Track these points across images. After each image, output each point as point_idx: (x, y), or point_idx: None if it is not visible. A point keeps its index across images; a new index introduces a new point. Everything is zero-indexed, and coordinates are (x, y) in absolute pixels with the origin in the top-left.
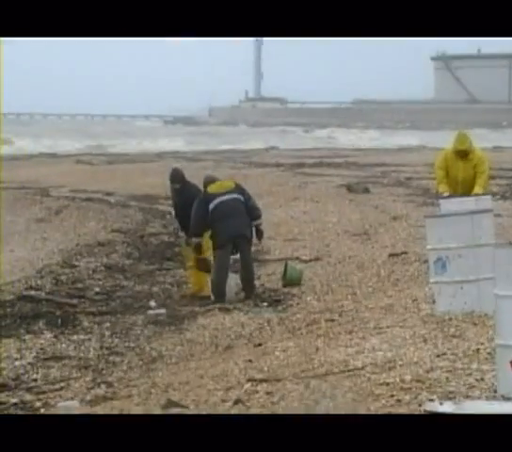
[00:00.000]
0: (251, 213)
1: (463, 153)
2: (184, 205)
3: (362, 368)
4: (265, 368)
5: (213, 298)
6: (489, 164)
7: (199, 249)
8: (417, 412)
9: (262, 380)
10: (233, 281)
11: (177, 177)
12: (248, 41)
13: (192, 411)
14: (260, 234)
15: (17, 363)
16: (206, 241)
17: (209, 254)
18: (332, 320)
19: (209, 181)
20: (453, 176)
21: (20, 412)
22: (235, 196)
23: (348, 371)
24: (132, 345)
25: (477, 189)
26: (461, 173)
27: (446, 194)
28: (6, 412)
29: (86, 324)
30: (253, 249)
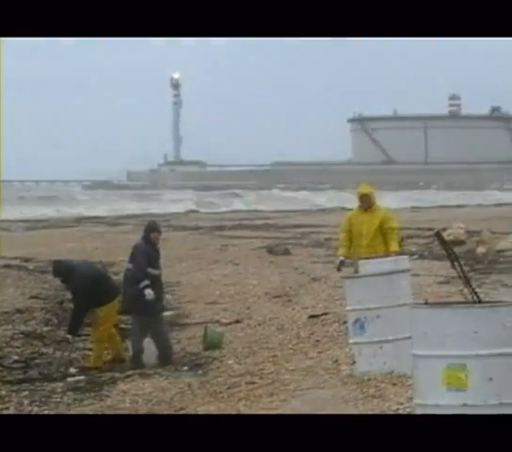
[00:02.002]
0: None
1: (366, 203)
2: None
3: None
4: None
5: (131, 364)
6: (398, 223)
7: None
8: None
9: None
10: (151, 347)
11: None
12: (167, 103)
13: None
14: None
15: None
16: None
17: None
18: (253, 383)
19: (153, 228)
20: (357, 231)
21: None
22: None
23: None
24: (52, 413)
25: (394, 246)
26: (365, 226)
27: (341, 258)
28: None
29: (3, 393)
30: (173, 312)
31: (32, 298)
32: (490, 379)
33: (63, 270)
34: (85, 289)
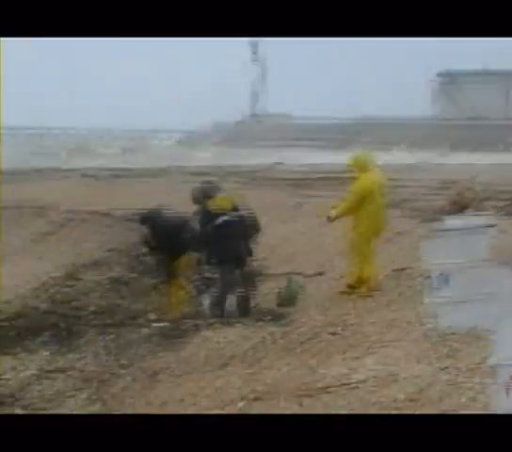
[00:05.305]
0: (251, 232)
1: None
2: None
3: (359, 385)
4: (264, 384)
5: (215, 313)
6: (354, 196)
7: (200, 263)
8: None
9: (257, 399)
10: (232, 298)
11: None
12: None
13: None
14: (250, 253)
15: (19, 375)
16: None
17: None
18: (334, 334)
19: (209, 194)
20: None
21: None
22: (237, 217)
23: (345, 388)
24: (133, 358)
25: (333, 211)
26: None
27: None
28: None
29: (84, 340)
30: (256, 264)
31: (115, 246)
32: None
33: (148, 219)
34: (168, 238)
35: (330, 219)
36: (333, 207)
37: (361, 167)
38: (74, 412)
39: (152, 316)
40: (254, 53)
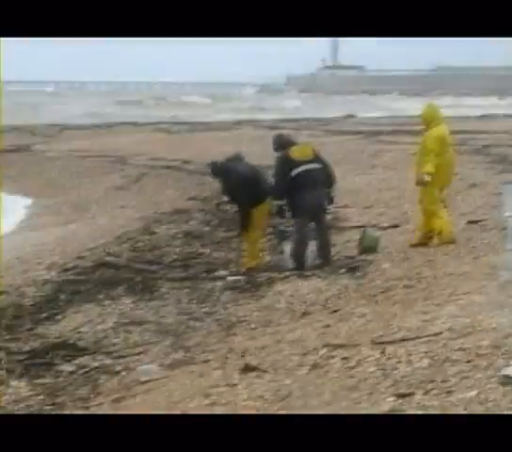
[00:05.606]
0: (328, 182)
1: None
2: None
3: (439, 334)
4: (342, 334)
5: (292, 265)
6: (433, 152)
7: (281, 212)
8: (492, 379)
9: (338, 346)
10: (310, 248)
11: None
12: None
13: (269, 375)
14: (331, 201)
15: (98, 327)
16: (262, 210)
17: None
18: (409, 287)
19: (288, 142)
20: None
21: (101, 376)
22: (317, 165)
23: (425, 336)
24: (210, 310)
25: (425, 168)
26: (419, 146)
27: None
28: (87, 376)
29: (164, 290)
30: (330, 216)
31: (191, 199)
32: None
33: (221, 171)
34: (241, 189)
35: (428, 178)
36: (416, 164)
37: (432, 119)
38: (154, 363)
39: (228, 269)
40: None
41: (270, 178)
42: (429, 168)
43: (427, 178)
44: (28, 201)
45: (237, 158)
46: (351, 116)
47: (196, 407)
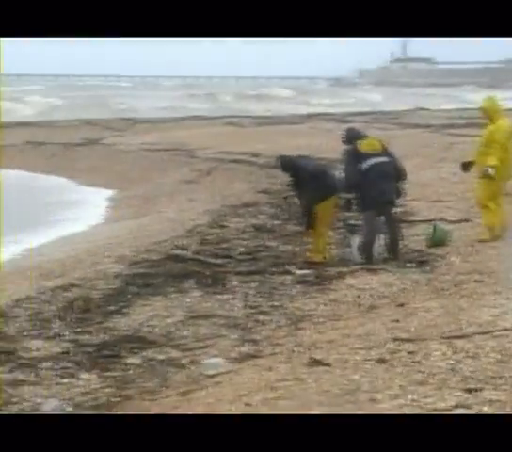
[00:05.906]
0: (397, 176)
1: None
2: None
3: (509, 329)
4: (411, 329)
5: (360, 259)
6: (499, 145)
7: (348, 205)
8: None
9: (407, 340)
10: (377, 242)
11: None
12: None
13: (336, 369)
14: (400, 195)
15: (166, 320)
16: (329, 205)
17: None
18: (479, 281)
19: (357, 136)
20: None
21: (169, 369)
22: (387, 159)
23: (495, 331)
24: (278, 304)
25: (489, 160)
26: (481, 138)
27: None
28: (152, 369)
29: (233, 283)
30: (400, 210)
31: (260, 192)
32: None
33: (290, 165)
34: (310, 184)
35: (492, 172)
36: (480, 156)
37: (495, 112)
38: (221, 356)
39: (297, 263)
40: None
41: (338, 173)
42: (494, 160)
43: (492, 171)
44: (107, 193)
45: (306, 157)
46: (422, 109)
47: (262, 400)
